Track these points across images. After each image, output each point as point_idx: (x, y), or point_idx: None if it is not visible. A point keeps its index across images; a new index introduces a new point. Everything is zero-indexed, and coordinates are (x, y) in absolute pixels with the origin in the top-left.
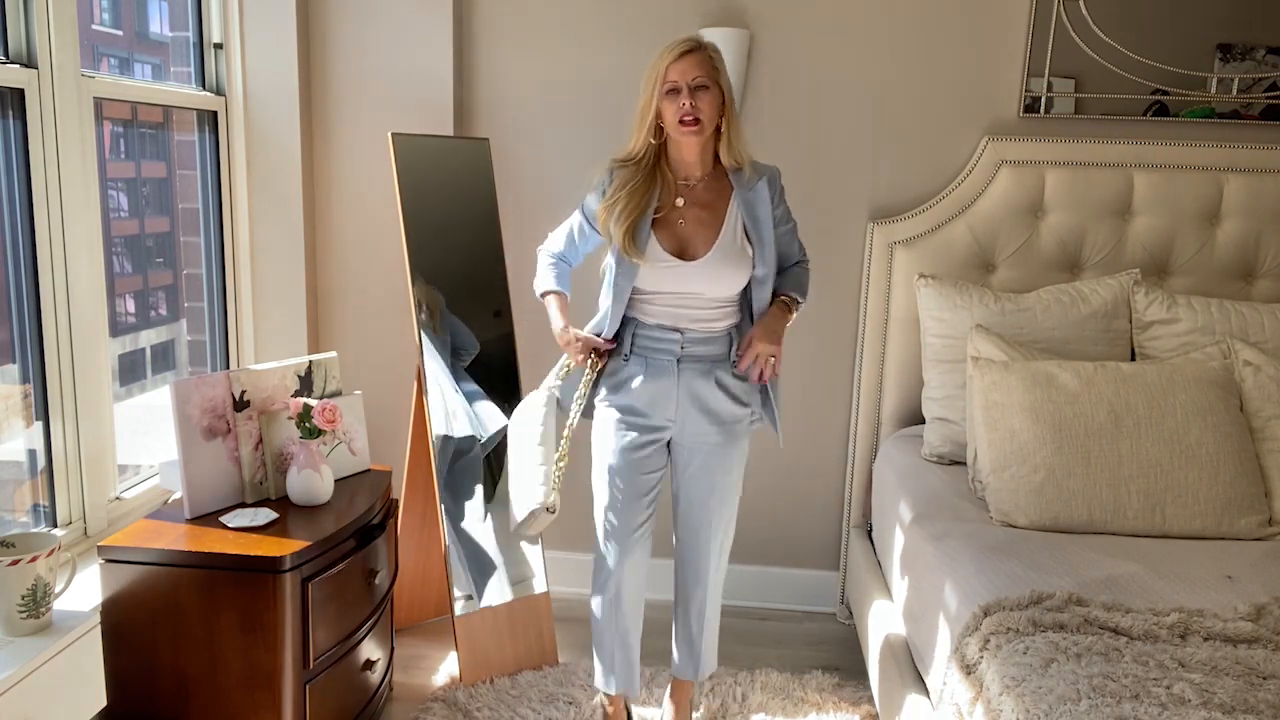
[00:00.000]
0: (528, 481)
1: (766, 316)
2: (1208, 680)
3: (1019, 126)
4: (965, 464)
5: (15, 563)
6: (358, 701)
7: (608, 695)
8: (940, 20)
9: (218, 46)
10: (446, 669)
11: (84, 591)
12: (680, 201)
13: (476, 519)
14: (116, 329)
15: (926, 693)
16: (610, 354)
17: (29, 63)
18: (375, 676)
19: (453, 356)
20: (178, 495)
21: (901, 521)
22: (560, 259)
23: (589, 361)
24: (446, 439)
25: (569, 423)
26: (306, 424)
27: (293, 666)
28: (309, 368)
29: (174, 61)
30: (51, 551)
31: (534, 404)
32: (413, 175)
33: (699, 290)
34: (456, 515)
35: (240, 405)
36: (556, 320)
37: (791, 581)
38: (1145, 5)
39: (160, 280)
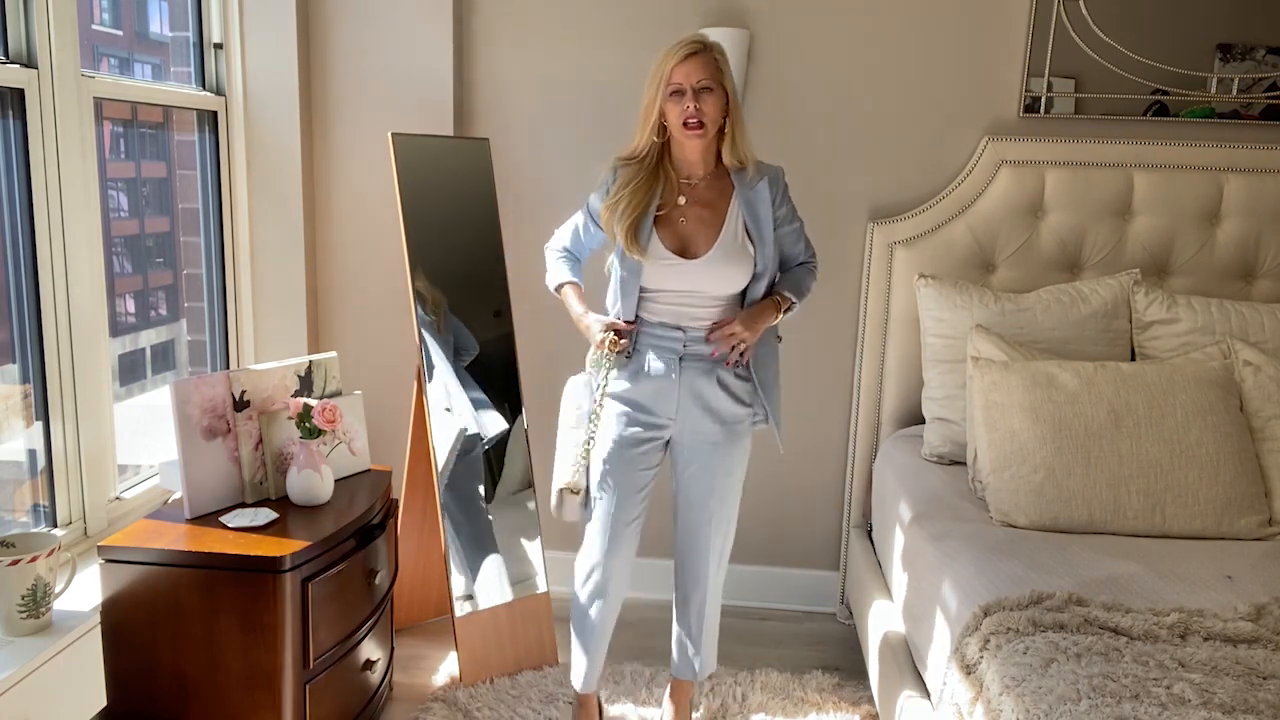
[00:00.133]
0: (558, 464)
1: (754, 307)
2: (1208, 680)
3: (1019, 126)
4: (965, 464)
5: (15, 563)
6: (358, 701)
7: (581, 694)
8: (940, 20)
9: (218, 46)
10: (446, 669)
11: (84, 591)
12: (682, 200)
13: (477, 519)
14: (116, 329)
15: (926, 693)
16: (630, 336)
17: (29, 63)
18: (375, 676)
19: (454, 357)
20: (178, 495)
21: (901, 521)
22: (568, 253)
23: (609, 340)
24: (460, 434)
25: (592, 406)
26: (306, 424)
27: (293, 666)
28: (309, 368)
29: (174, 61)
30: (51, 551)
31: (574, 387)
32: (413, 175)
33: (700, 288)
34: (456, 515)
35: (240, 405)
36: (576, 307)
37: (791, 581)
38: (1145, 5)
39: (160, 280)
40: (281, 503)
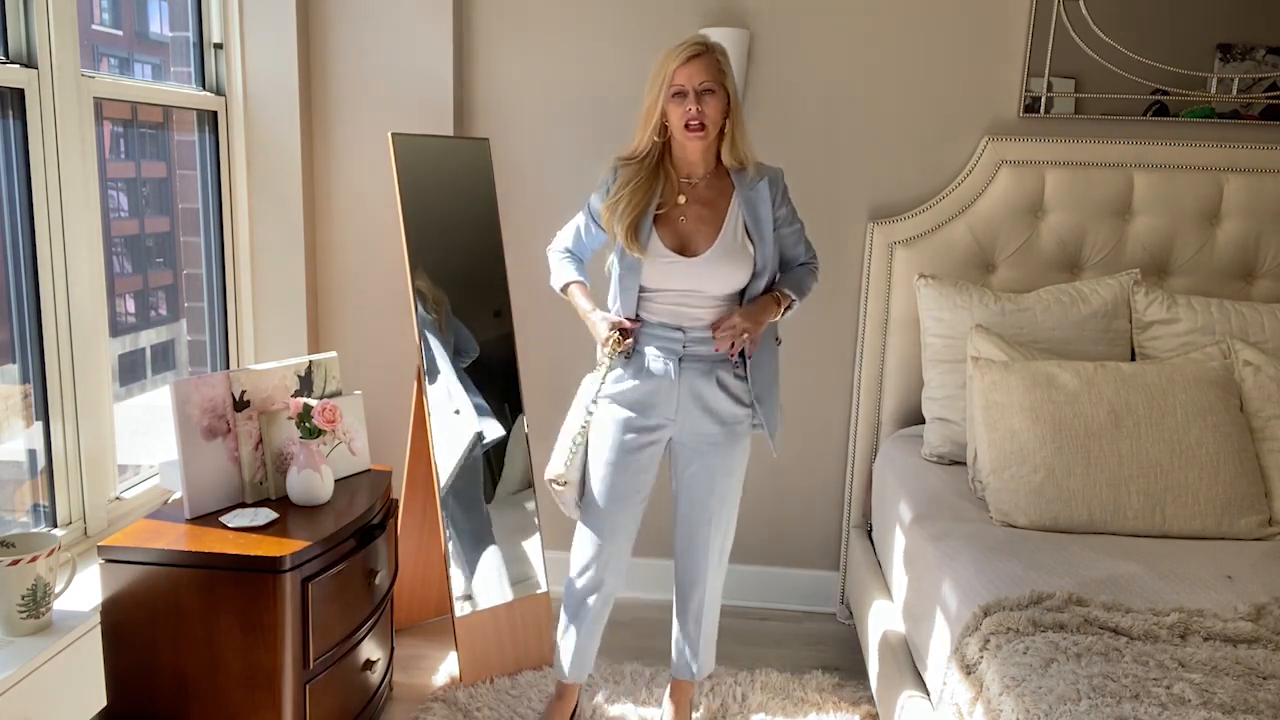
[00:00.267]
0: (552, 457)
1: (754, 302)
2: (1208, 680)
3: (1019, 126)
4: (965, 464)
5: (15, 563)
6: (358, 701)
7: (565, 684)
8: (940, 20)
9: (218, 46)
10: (446, 669)
11: (84, 591)
12: (682, 199)
13: (477, 519)
14: (116, 329)
15: (926, 693)
16: (634, 335)
17: (29, 63)
18: (375, 676)
19: (454, 357)
20: (178, 495)
21: (901, 521)
22: (571, 254)
23: (613, 339)
24: (469, 437)
25: (590, 401)
26: (306, 424)
27: (293, 666)
28: (309, 368)
29: (174, 61)
30: (51, 551)
31: (587, 383)
32: (413, 175)
33: (700, 287)
34: (456, 515)
35: (240, 405)
36: (584, 304)
37: (791, 581)
38: (1145, 5)
39: (160, 280)
40: (281, 503)
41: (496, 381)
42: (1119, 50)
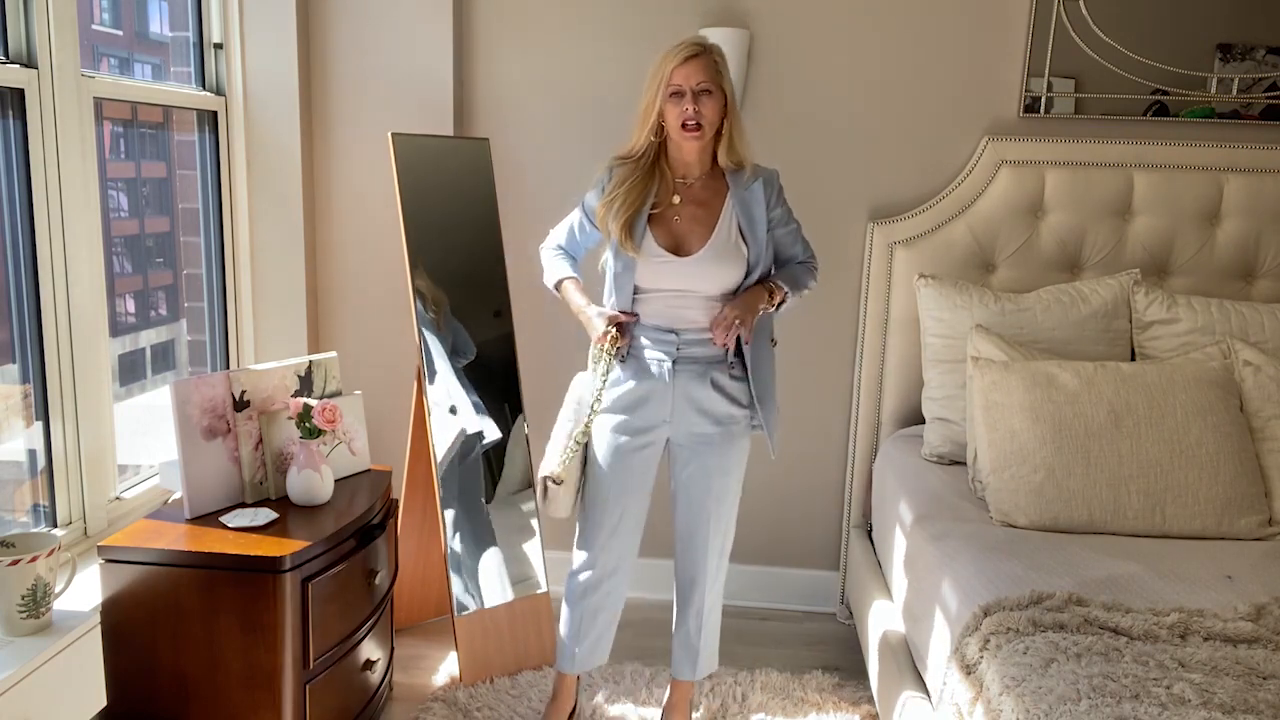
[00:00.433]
0: (547, 453)
1: (744, 292)
2: (1208, 680)
3: (1019, 126)
4: (965, 464)
5: (15, 563)
6: (358, 701)
7: (564, 673)
8: (940, 20)
9: (218, 46)
10: (446, 669)
11: (84, 591)
12: (677, 199)
13: (477, 519)
14: (116, 329)
15: (926, 693)
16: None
17: (29, 63)
18: (375, 676)
19: (450, 356)
20: (178, 495)
21: (901, 521)
22: (564, 251)
23: (610, 335)
24: (459, 434)
25: (592, 400)
26: (306, 424)
27: (293, 666)
28: (309, 368)
29: (174, 61)
30: (51, 551)
31: (579, 382)
32: (413, 175)
33: (693, 287)
34: (457, 515)
35: (240, 405)
36: (578, 299)
37: (791, 581)
38: (1145, 5)
39: (160, 280)
40: (281, 503)
41: (496, 381)
42: (1119, 50)
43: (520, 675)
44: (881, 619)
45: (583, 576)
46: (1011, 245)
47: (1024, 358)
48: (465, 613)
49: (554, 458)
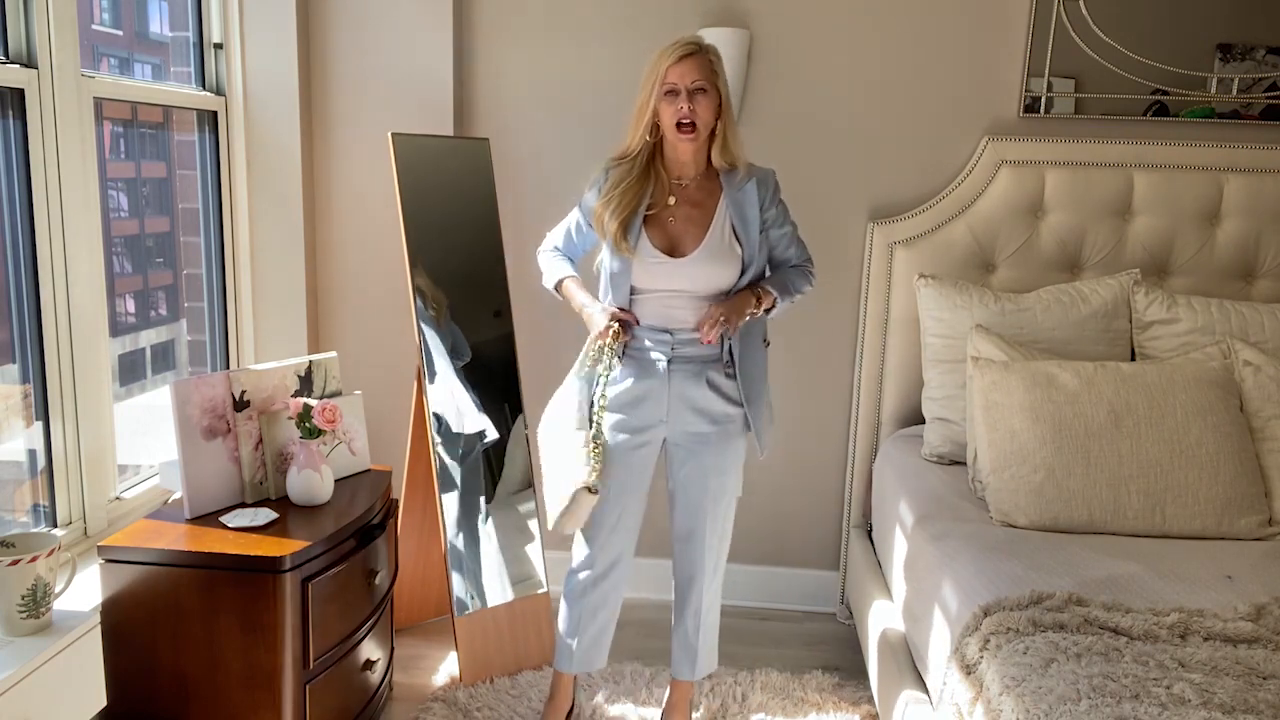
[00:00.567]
0: (570, 466)
1: (734, 295)
2: (1208, 680)
3: (1019, 126)
4: (965, 464)
5: (15, 563)
6: (358, 701)
7: (562, 672)
8: (940, 20)
9: (218, 46)
10: (446, 669)
11: (84, 591)
12: (672, 200)
13: (477, 519)
14: (116, 329)
15: (926, 693)
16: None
17: (29, 63)
18: (375, 676)
19: (451, 357)
20: (178, 495)
21: (901, 521)
22: (561, 253)
23: (612, 331)
24: (458, 434)
25: (595, 400)
26: (306, 424)
27: (293, 666)
28: (309, 368)
29: (174, 61)
30: (51, 551)
31: (566, 393)
32: (413, 175)
33: (687, 288)
34: (457, 515)
35: (240, 405)
36: (580, 297)
37: (791, 581)
38: (1145, 5)
39: (160, 280)
40: (281, 503)
41: (496, 381)
42: (1119, 50)
43: (520, 675)
44: (881, 619)
45: (582, 575)
46: (1011, 245)
47: (1024, 358)
48: (465, 613)
49: (579, 469)
